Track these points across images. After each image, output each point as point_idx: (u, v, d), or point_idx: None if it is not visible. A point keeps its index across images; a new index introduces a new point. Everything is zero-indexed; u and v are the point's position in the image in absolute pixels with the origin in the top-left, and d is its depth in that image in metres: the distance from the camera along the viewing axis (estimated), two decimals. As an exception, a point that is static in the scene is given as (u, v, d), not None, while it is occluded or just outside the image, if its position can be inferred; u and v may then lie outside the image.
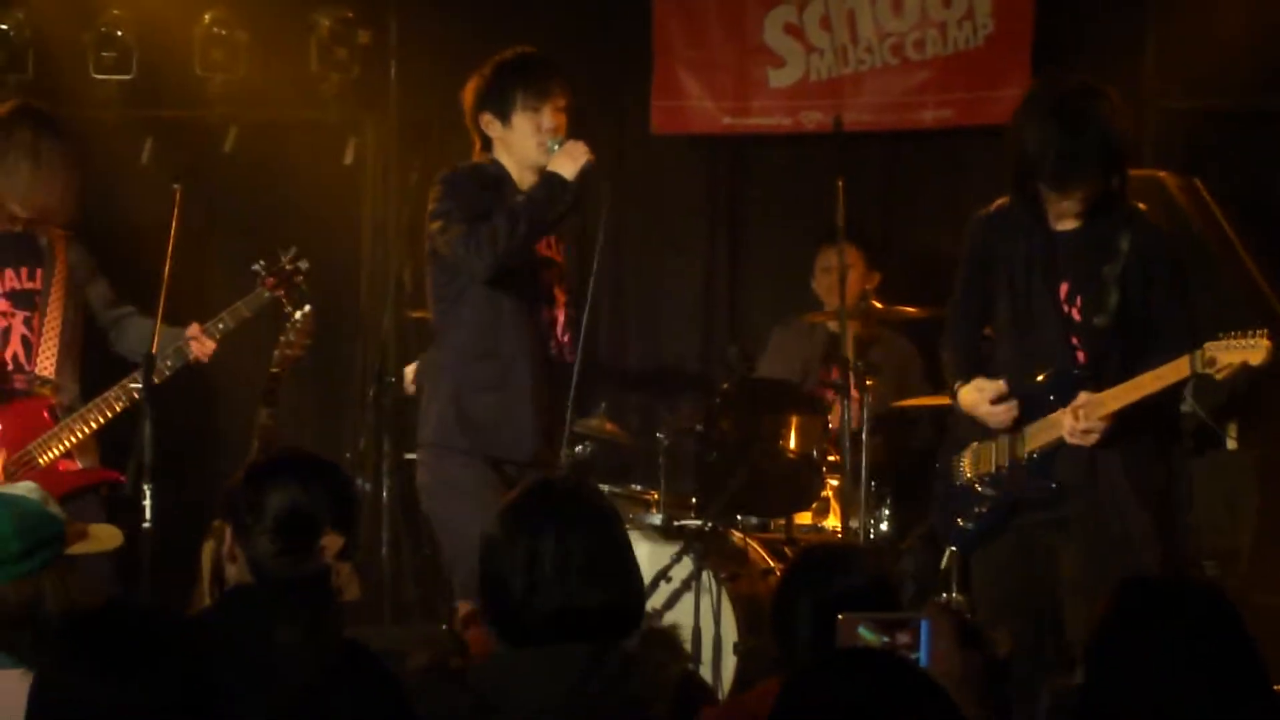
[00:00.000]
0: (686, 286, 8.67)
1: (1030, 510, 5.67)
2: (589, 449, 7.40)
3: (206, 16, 8.23)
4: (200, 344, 6.42)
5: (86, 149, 6.96)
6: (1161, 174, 7.32)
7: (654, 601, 6.56)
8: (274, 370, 6.88)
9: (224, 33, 8.24)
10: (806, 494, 7.15)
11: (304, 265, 6.72)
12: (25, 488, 3.89)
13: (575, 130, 6.02)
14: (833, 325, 7.88)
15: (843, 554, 3.88)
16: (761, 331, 8.12)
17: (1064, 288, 5.58)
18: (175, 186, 6.19)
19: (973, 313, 5.91)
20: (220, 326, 6.52)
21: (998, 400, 5.66)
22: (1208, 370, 5.26)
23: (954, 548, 5.93)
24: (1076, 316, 5.57)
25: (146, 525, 6.65)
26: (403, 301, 8.22)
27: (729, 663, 6.75)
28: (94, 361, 6.72)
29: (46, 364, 6.45)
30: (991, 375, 5.72)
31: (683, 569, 6.61)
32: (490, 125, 6.05)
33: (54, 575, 3.72)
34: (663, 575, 6.63)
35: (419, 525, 8.03)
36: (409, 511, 7.97)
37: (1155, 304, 5.54)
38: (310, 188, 8.46)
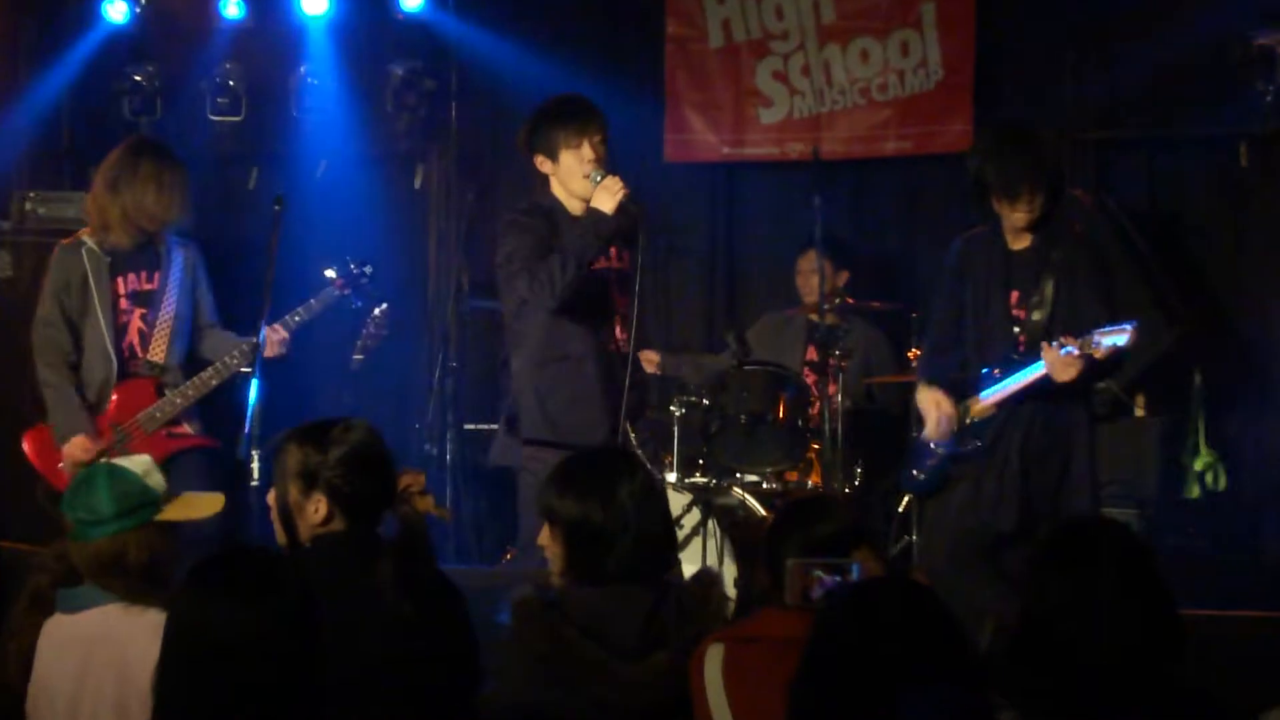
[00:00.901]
0: (693, 285, 8.65)
1: (963, 463, 5.82)
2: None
3: (302, 68, 8.23)
4: (272, 335, 6.36)
5: (203, 176, 6.94)
6: (1078, 192, 7.27)
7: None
8: (357, 357, 6.88)
9: (316, 81, 8.24)
10: (793, 455, 7.13)
11: (368, 270, 6.72)
12: (136, 461, 3.88)
13: (608, 160, 5.89)
14: (811, 316, 7.86)
15: (823, 503, 3.88)
16: (753, 321, 8.10)
17: (1014, 295, 5.72)
18: (276, 207, 6.16)
19: (948, 316, 6.01)
20: (295, 319, 6.51)
21: (949, 422, 5.85)
22: (1089, 351, 5.38)
23: (910, 492, 6.03)
24: (1021, 315, 5.70)
25: (255, 484, 6.67)
26: (462, 300, 8.19)
27: (729, 595, 6.73)
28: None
29: (158, 352, 6.44)
30: (958, 360, 5.91)
31: (692, 518, 6.57)
32: (543, 164, 5.90)
33: (139, 534, 3.74)
34: (676, 522, 6.60)
35: (478, 483, 8.05)
36: (468, 472, 7.97)
37: (1080, 301, 5.63)
38: (386, 207, 8.46)
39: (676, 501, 6.60)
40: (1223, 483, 7.19)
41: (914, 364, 7.57)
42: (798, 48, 8.33)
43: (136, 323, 6.46)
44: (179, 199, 6.45)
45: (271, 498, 3.88)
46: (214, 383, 6.41)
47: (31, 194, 7.83)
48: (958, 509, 5.82)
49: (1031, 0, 8.10)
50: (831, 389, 7.16)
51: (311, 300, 6.59)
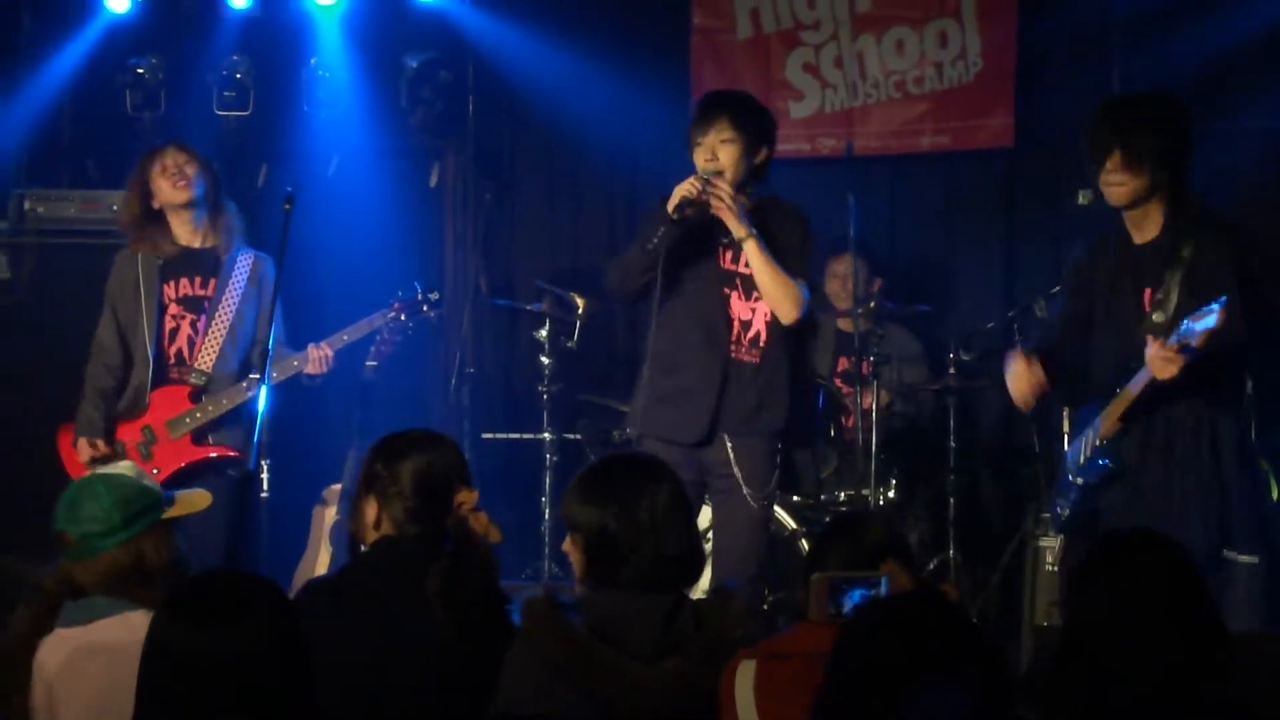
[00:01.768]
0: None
1: (1103, 492, 5.42)
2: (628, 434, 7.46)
3: (312, 60, 8.28)
4: (315, 352, 6.53)
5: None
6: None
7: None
8: (370, 364, 6.95)
9: (326, 74, 8.28)
10: (825, 464, 7.20)
11: (434, 297, 6.79)
12: (125, 467, 3.97)
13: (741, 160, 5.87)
14: (841, 323, 7.89)
15: (864, 518, 3.93)
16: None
17: (1147, 292, 5.33)
18: (286, 206, 6.22)
19: (1065, 320, 5.68)
20: (343, 339, 6.62)
21: (1034, 388, 5.52)
22: (1186, 342, 4.94)
23: (1059, 533, 5.77)
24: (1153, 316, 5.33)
25: (265, 495, 6.75)
26: (480, 302, 8.25)
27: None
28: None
29: (206, 360, 6.54)
30: (1084, 372, 5.55)
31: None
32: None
33: (152, 537, 3.83)
34: (703, 536, 6.64)
35: (498, 496, 8.09)
36: (488, 484, 8.01)
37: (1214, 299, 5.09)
38: (400, 205, 8.50)
39: (704, 515, 6.65)
40: (1275, 494, 7.17)
41: (951, 372, 7.60)
42: (830, 38, 8.37)
43: (186, 329, 6.58)
44: (163, 172, 6.53)
45: None
46: (249, 393, 6.49)
47: (31, 193, 7.90)
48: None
49: (1075, -13, 8.13)
50: (865, 399, 7.20)
51: (364, 320, 6.68)
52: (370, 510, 4.07)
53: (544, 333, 7.67)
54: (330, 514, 7.00)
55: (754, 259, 5.78)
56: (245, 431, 6.52)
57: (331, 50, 8.30)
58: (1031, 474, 7.44)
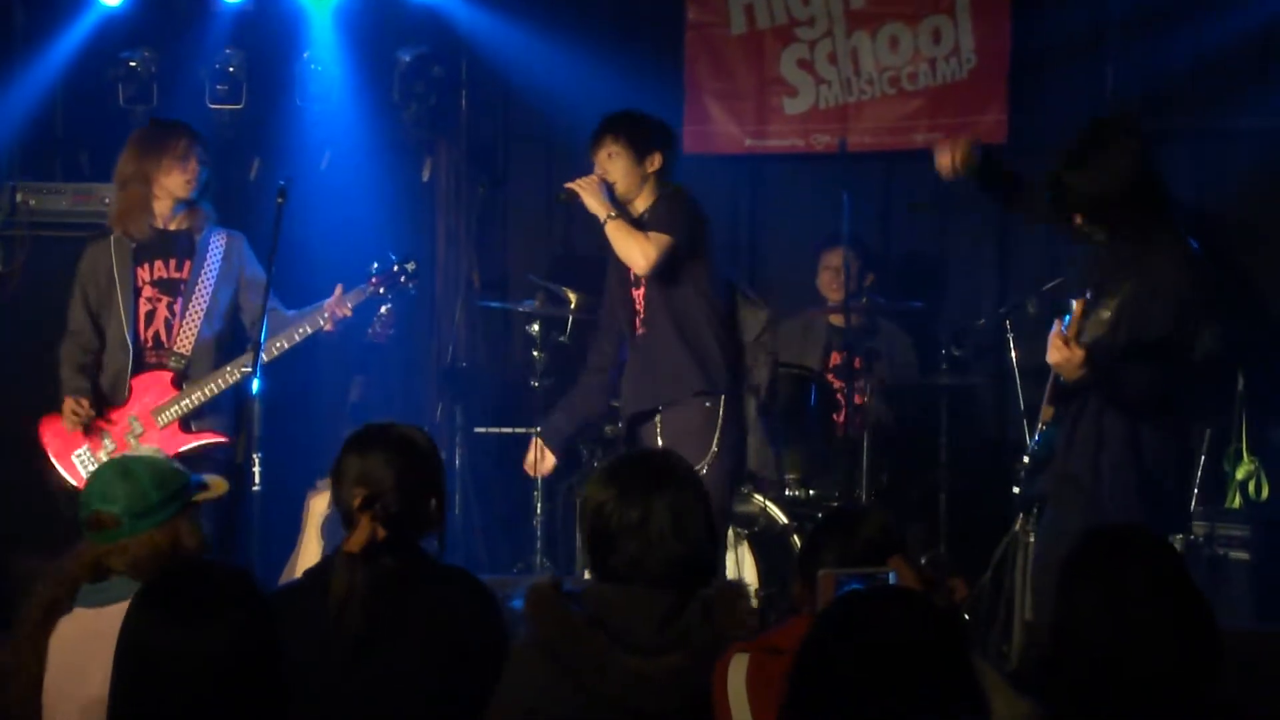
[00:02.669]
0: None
1: (1039, 476, 5.73)
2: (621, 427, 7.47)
3: (305, 54, 8.28)
4: (338, 306, 6.65)
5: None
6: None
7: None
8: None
9: (319, 68, 8.27)
10: (816, 461, 7.21)
11: (411, 267, 6.81)
12: (150, 450, 3.98)
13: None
14: (833, 318, 7.90)
15: (861, 512, 3.92)
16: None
17: (1088, 292, 5.39)
18: (279, 200, 6.23)
19: None
20: (324, 319, 6.62)
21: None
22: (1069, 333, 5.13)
23: (1017, 511, 5.96)
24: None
25: (256, 489, 6.75)
26: (471, 297, 8.24)
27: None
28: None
29: (185, 343, 6.58)
30: None
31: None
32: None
33: (186, 519, 3.84)
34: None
35: (490, 490, 8.10)
36: (480, 478, 8.01)
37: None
38: (392, 200, 8.50)
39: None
40: (1265, 492, 7.19)
41: (943, 368, 7.62)
42: (824, 34, 8.37)
43: (163, 311, 6.61)
44: (168, 153, 6.54)
45: None
46: (234, 379, 6.52)
47: (23, 185, 7.89)
48: (1046, 529, 5.67)
49: (1070, -16, 8.13)
50: (858, 394, 7.21)
51: (346, 295, 6.69)
52: None
53: (536, 327, 7.67)
54: (322, 507, 7.00)
55: (610, 234, 6.24)
56: (229, 416, 6.54)
57: (324, 44, 8.29)
58: (1024, 469, 7.44)
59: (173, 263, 6.64)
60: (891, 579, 3.25)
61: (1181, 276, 5.33)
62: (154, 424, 6.51)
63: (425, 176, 8.61)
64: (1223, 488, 7.21)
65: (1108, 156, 5.35)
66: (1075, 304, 5.20)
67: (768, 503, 7.07)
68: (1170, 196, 5.60)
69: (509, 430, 8.12)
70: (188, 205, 6.65)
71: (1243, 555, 7.15)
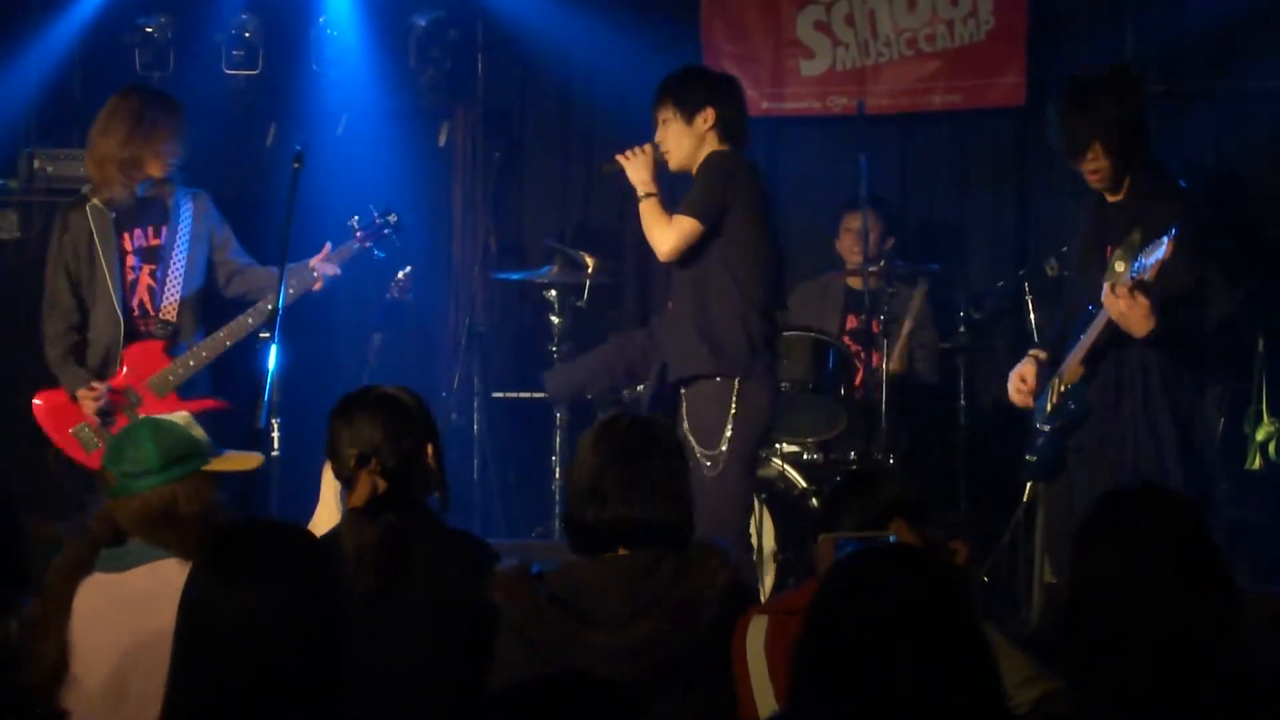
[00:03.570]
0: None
1: (1067, 437, 5.74)
2: (647, 389, 7.45)
3: (321, 19, 8.26)
4: (323, 269, 6.65)
5: (218, 133, 7.00)
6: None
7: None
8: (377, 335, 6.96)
9: (335, 33, 8.25)
10: (834, 425, 7.20)
11: (393, 219, 6.79)
12: (176, 416, 4.00)
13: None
14: (851, 281, 7.87)
15: (880, 475, 3.93)
16: (792, 287, 8.11)
17: (1109, 249, 5.58)
18: (295, 165, 6.21)
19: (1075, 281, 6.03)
20: (313, 278, 6.63)
21: (1025, 381, 5.92)
22: (1140, 277, 5.27)
23: (1028, 480, 5.98)
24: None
25: (275, 454, 6.75)
26: (489, 263, 8.23)
27: (769, 569, 6.78)
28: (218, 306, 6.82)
29: (169, 310, 6.58)
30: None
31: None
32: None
33: (188, 485, 3.84)
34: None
35: (507, 455, 8.10)
36: (497, 443, 8.02)
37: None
38: (409, 165, 8.47)
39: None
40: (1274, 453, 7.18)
41: (961, 331, 7.61)
42: (842, -4, 8.34)
43: (146, 279, 6.59)
44: (160, 138, 6.52)
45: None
46: (229, 343, 6.53)
47: (40, 152, 7.89)
48: (1083, 487, 5.65)
49: (1089, -56, 8.09)
50: (875, 357, 7.20)
51: (331, 253, 6.69)
52: None
53: (553, 292, 7.67)
54: (339, 474, 6.99)
55: (641, 212, 6.01)
56: (208, 378, 6.55)
57: (340, 9, 8.27)
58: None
59: (150, 229, 6.63)
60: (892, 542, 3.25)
61: (1185, 212, 5.48)
62: (152, 394, 6.48)
63: (442, 141, 8.59)
64: (1243, 449, 7.20)
65: (1109, 98, 5.62)
66: (1115, 256, 5.33)
67: (786, 466, 7.06)
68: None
69: (527, 395, 8.12)
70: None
71: (1263, 516, 7.16)
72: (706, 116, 5.99)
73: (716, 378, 5.87)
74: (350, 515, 3.97)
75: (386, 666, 3.72)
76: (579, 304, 7.68)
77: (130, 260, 6.59)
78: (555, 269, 7.72)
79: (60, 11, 8.24)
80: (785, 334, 6.81)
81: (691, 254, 5.92)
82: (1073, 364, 5.66)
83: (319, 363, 7.57)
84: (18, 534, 3.78)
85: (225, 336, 6.54)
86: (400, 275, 6.94)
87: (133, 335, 6.57)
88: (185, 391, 6.57)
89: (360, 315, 6.87)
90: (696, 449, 5.75)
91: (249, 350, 6.49)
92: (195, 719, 2.77)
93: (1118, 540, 2.98)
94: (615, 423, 3.79)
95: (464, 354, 8.10)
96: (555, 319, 7.68)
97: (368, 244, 6.76)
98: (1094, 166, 5.66)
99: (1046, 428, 5.79)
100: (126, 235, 6.58)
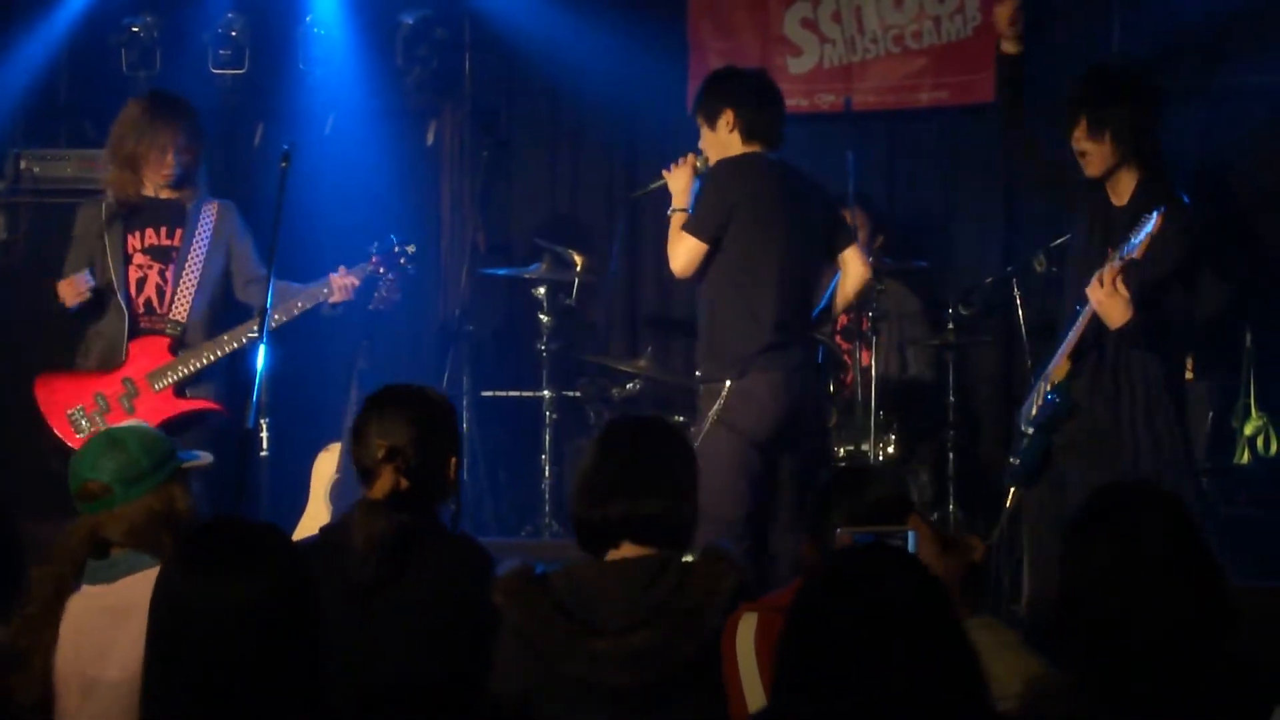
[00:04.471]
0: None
1: (1052, 433, 5.71)
2: (638, 386, 7.47)
3: (308, 18, 8.25)
4: (342, 281, 6.61)
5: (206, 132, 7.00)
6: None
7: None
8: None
9: (322, 32, 8.25)
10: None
11: (411, 250, 6.79)
12: (134, 422, 4.01)
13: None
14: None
15: (869, 472, 3.93)
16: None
17: (1110, 252, 5.56)
18: (282, 165, 6.20)
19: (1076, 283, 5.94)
20: (325, 291, 6.61)
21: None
22: (1127, 258, 5.29)
23: (1013, 484, 5.99)
24: None
25: (264, 454, 6.75)
26: (477, 261, 8.23)
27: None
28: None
29: (180, 310, 6.60)
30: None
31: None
32: None
33: (178, 485, 3.84)
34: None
35: (497, 453, 8.10)
36: (488, 441, 8.01)
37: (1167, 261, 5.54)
38: (396, 164, 8.47)
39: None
40: (1274, 448, 7.19)
41: (949, 328, 7.61)
42: (828, -7, 8.33)
43: (154, 278, 6.62)
44: (163, 138, 6.54)
45: None
46: (232, 347, 6.53)
47: (27, 153, 7.88)
48: (1076, 484, 5.61)
49: (1077, -60, 8.08)
50: (865, 355, 7.20)
51: (356, 268, 6.68)
52: None
53: (542, 291, 7.67)
54: (329, 471, 7.00)
55: (670, 228, 6.07)
56: (221, 384, 6.55)
57: (327, 8, 8.26)
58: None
59: (164, 230, 6.65)
60: (910, 538, 3.23)
61: (1181, 219, 5.50)
62: (149, 387, 6.51)
63: (429, 140, 8.59)
64: (1231, 444, 7.21)
65: (1130, 92, 5.67)
66: (1111, 252, 5.35)
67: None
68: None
69: (516, 394, 8.12)
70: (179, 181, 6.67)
71: (1252, 511, 7.16)
72: (727, 119, 6.05)
73: (712, 380, 5.96)
74: (366, 506, 3.97)
75: (385, 666, 3.73)
76: (568, 302, 7.68)
77: (139, 259, 6.62)
78: (544, 267, 7.72)
79: (47, 12, 8.22)
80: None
81: (701, 271, 6.00)
82: (1059, 362, 5.65)
83: (307, 364, 7.57)
84: (14, 538, 3.77)
85: (229, 340, 6.55)
86: (410, 248, 6.88)
87: (136, 331, 6.59)
88: (196, 391, 6.56)
89: (347, 317, 6.85)
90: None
91: (239, 352, 6.51)
92: (170, 714, 2.77)
93: (1110, 537, 2.98)
94: (619, 423, 3.85)
95: (452, 352, 8.09)
96: (544, 317, 7.68)
97: (382, 269, 6.74)
98: (1080, 147, 5.67)
99: (1030, 430, 5.76)
100: (136, 233, 6.63)
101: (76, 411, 6.54)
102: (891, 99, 8.30)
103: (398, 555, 3.87)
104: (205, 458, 4.13)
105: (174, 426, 6.26)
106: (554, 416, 7.64)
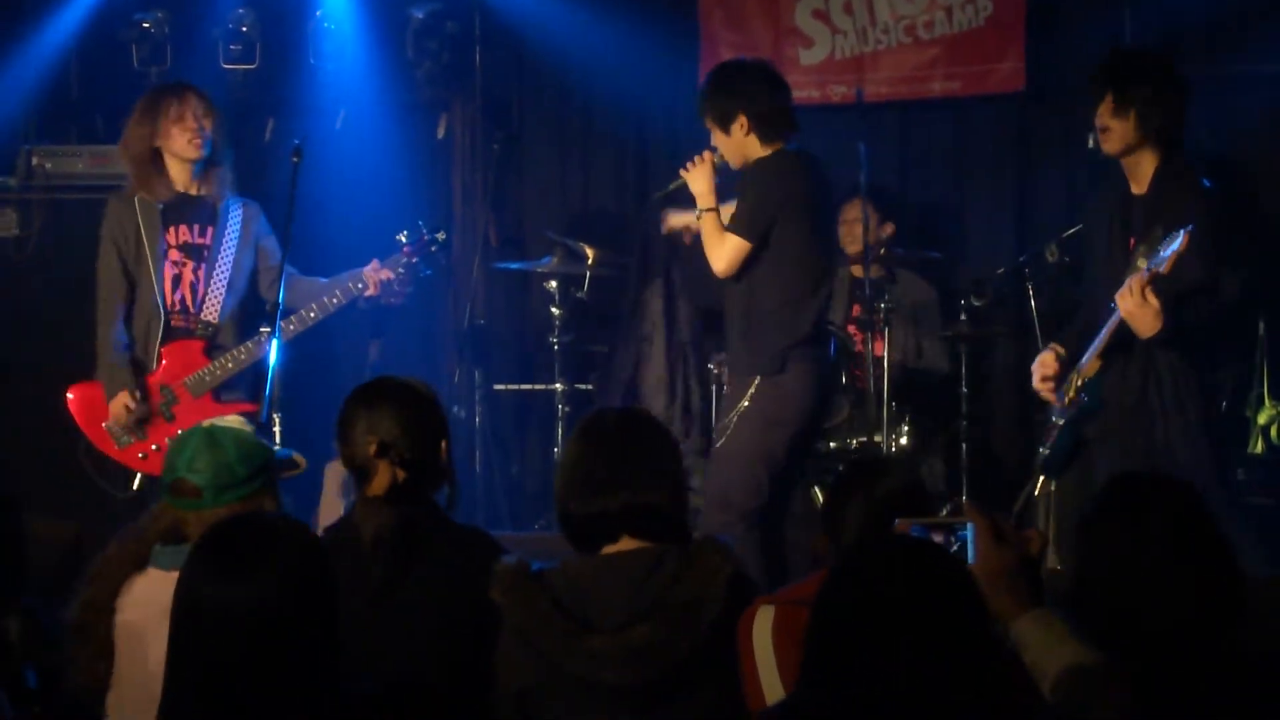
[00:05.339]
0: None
1: (1084, 426, 5.73)
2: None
3: (318, 13, 8.25)
4: (373, 274, 6.59)
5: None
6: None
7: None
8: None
9: (332, 27, 8.25)
10: (837, 411, 7.20)
11: (440, 237, 6.78)
12: (235, 420, 3.97)
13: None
14: (854, 270, 7.88)
15: (885, 462, 3.91)
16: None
17: (1131, 241, 5.61)
18: (294, 160, 6.21)
19: (1087, 281, 6.03)
20: (360, 286, 6.60)
21: (1047, 376, 5.86)
22: (1156, 270, 5.25)
23: (1041, 475, 6.01)
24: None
25: (277, 448, 6.73)
26: (488, 255, 8.24)
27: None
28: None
29: (211, 310, 6.56)
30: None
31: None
32: None
33: (271, 495, 3.85)
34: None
35: (509, 447, 8.11)
36: (499, 435, 8.02)
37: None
38: (408, 158, 8.48)
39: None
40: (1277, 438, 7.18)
41: (962, 319, 7.61)
42: (840, -16, 8.33)
43: (188, 276, 6.58)
44: (171, 112, 6.53)
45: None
46: (263, 350, 6.49)
47: (39, 149, 7.89)
48: (1102, 475, 5.57)
49: (1087, -71, 8.07)
50: (878, 346, 7.20)
51: (385, 264, 6.66)
52: None
53: (554, 284, 7.68)
54: (342, 468, 6.99)
55: (700, 228, 6.07)
56: (249, 382, 6.54)
57: (337, 3, 8.27)
58: (1044, 419, 7.43)
59: (196, 228, 6.59)
60: (969, 531, 3.18)
61: (1204, 211, 5.47)
62: (188, 394, 6.47)
63: (440, 134, 8.60)
64: (1245, 433, 7.20)
65: (1161, 75, 5.67)
66: (1138, 254, 5.38)
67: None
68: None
69: (528, 387, 8.13)
70: (204, 167, 6.61)
71: (1265, 500, 7.15)
72: (740, 123, 6.02)
73: (746, 377, 5.99)
74: (368, 502, 3.98)
75: (395, 660, 3.73)
76: (580, 295, 7.69)
77: (174, 255, 6.57)
78: (555, 260, 7.73)
79: (58, 8, 8.23)
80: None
81: (744, 269, 6.00)
82: (1091, 359, 5.66)
83: (320, 358, 7.57)
84: (17, 534, 3.78)
85: (261, 341, 6.49)
86: (440, 235, 6.87)
87: (171, 332, 6.54)
88: (226, 393, 6.55)
89: (358, 312, 6.86)
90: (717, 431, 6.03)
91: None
92: (190, 710, 2.78)
93: (1123, 527, 2.99)
94: (599, 415, 3.80)
95: (465, 346, 8.10)
96: (556, 310, 7.69)
97: (415, 259, 6.73)
98: (1103, 123, 5.65)
99: (1061, 421, 5.80)
100: (172, 229, 6.56)
101: (113, 423, 6.49)
102: (903, 89, 8.30)
103: (406, 550, 3.88)
104: (299, 460, 4.13)
105: None
106: (566, 409, 7.65)
